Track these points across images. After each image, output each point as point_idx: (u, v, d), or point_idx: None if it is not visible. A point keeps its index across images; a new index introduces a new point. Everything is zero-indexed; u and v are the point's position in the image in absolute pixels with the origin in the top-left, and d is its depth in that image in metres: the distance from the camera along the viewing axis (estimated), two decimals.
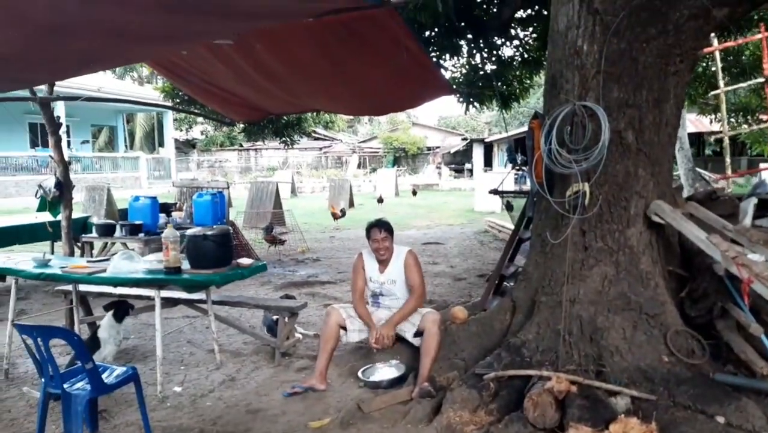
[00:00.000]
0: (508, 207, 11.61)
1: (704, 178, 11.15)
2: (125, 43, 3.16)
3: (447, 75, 7.26)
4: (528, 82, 7.77)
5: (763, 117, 9.32)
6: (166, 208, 7.84)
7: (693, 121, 19.57)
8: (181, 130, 32.90)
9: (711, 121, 11.05)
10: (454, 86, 6.79)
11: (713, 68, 8.78)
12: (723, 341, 3.32)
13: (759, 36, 4.68)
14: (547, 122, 3.51)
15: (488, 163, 33.43)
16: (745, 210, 3.82)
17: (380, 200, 17.41)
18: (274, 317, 4.71)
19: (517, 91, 7.72)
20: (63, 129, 6.57)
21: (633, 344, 3.39)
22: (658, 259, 3.62)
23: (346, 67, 4.87)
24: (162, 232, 6.73)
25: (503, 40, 7.25)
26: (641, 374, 3.27)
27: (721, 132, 7.52)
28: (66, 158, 6.52)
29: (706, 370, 3.23)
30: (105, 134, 28.24)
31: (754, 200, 3.83)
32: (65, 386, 2.96)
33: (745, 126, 8.92)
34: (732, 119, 9.04)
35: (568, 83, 3.62)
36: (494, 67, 7.37)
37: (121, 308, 4.25)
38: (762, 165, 14.01)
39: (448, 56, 7.22)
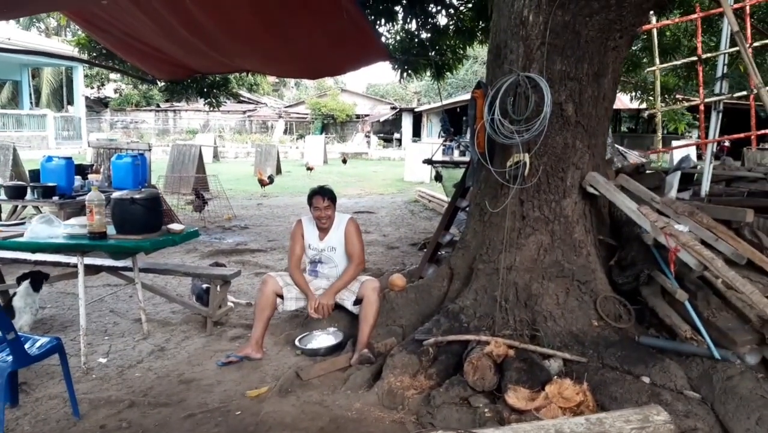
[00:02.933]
0: (437, 178, 11.78)
1: (622, 154, 11.77)
2: None
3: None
4: (461, 52, 7.77)
5: (679, 96, 9.88)
6: (82, 170, 7.36)
7: None
8: (93, 88, 30.81)
9: (631, 99, 11.60)
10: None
11: (634, 47, 9.16)
12: (647, 307, 3.52)
13: (695, 16, 4.88)
14: (491, 92, 3.51)
15: (417, 133, 33.61)
16: (671, 183, 4.03)
17: (309, 168, 17.16)
18: (205, 286, 4.54)
19: (451, 61, 7.72)
20: None
21: (565, 309, 3.53)
22: (590, 228, 3.77)
23: (282, 27, 4.66)
24: (78, 195, 6.34)
25: (438, 7, 7.19)
26: (573, 337, 3.41)
27: (646, 109, 7.88)
28: None
29: (632, 333, 3.41)
30: (8, 90, 26.05)
31: (678, 174, 4.05)
32: None
33: (662, 104, 9.41)
34: (650, 98, 9.51)
35: (512, 53, 3.63)
36: (429, 35, 7.31)
37: (37, 278, 3.97)
38: (674, 143, 14.99)
39: (383, 21, 7.09)
